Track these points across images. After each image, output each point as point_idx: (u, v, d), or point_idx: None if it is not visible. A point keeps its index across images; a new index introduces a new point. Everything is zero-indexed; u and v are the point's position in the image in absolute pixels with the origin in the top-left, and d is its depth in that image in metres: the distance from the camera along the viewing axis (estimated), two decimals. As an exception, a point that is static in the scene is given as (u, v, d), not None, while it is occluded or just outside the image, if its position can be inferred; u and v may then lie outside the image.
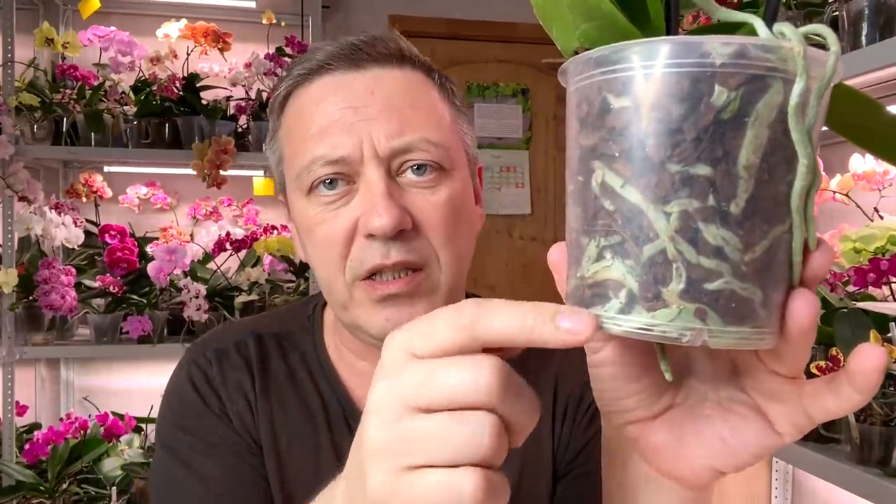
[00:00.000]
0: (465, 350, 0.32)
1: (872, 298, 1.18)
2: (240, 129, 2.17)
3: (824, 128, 0.33)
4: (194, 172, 2.05)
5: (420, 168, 0.61)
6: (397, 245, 0.59)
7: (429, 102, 0.64)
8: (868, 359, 0.31)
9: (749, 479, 1.80)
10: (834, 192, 1.40)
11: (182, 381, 0.71)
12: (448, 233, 0.62)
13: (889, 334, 1.06)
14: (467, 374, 0.31)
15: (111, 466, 1.97)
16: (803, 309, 0.30)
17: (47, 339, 2.05)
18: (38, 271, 1.94)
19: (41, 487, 1.89)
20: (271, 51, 2.17)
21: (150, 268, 1.98)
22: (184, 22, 2.22)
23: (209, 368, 0.70)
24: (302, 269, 2.22)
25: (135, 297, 2.08)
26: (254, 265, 2.13)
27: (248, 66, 2.16)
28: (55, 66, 2.14)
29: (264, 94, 2.18)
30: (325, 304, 0.75)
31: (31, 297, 1.96)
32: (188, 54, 2.20)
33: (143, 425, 2.10)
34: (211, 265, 2.22)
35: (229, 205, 2.44)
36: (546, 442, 0.70)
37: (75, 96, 2.05)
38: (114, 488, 1.90)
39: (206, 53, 2.22)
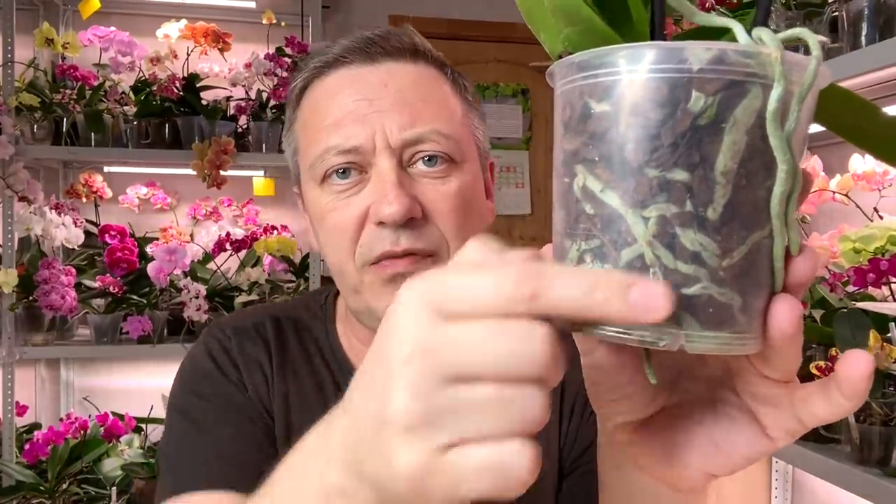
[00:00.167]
0: (512, 316, 0.28)
1: (872, 298, 1.18)
2: (240, 130, 2.17)
3: (823, 128, 0.33)
4: (194, 172, 2.05)
5: (431, 159, 0.63)
6: (407, 233, 0.61)
7: (441, 96, 0.66)
8: (855, 366, 0.31)
9: (749, 479, 1.80)
10: (834, 193, 1.40)
11: (199, 353, 0.71)
12: (458, 223, 0.63)
13: (889, 334, 1.06)
14: (522, 346, 0.27)
15: (111, 467, 1.97)
16: (784, 314, 0.30)
17: (47, 340, 2.05)
18: (38, 271, 1.94)
19: (41, 487, 1.89)
20: (271, 51, 2.17)
21: (150, 268, 1.98)
22: (184, 22, 2.22)
23: (227, 342, 0.71)
24: (302, 270, 2.22)
25: (135, 297, 2.08)
26: (254, 265, 2.13)
27: (248, 66, 2.16)
28: (55, 66, 2.14)
29: (264, 95, 2.18)
30: (336, 293, 0.76)
31: (31, 298, 1.96)
32: (188, 54, 2.20)
33: (143, 425, 2.10)
34: (211, 265, 2.22)
35: (229, 205, 2.44)
36: (553, 439, 0.71)
37: (75, 96, 2.05)
38: (114, 488, 1.90)
39: (206, 53, 2.22)
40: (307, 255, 2.19)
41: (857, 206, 1.34)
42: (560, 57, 0.33)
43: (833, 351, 1.09)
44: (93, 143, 2.06)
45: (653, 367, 0.36)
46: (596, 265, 0.30)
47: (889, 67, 1.07)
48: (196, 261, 2.17)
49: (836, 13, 1.17)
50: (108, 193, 2.38)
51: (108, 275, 2.03)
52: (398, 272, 0.61)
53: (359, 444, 0.31)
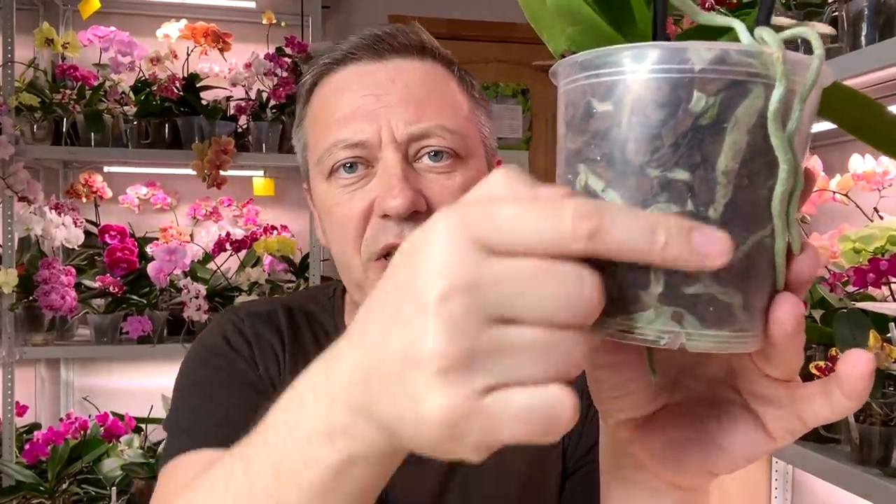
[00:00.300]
0: (564, 256, 0.26)
1: (872, 298, 1.18)
2: (240, 130, 2.17)
3: (824, 128, 0.33)
4: (194, 172, 2.05)
5: (436, 154, 0.64)
6: (411, 226, 0.61)
7: (447, 92, 0.67)
8: (855, 365, 0.31)
9: (749, 479, 1.80)
10: (834, 193, 1.40)
11: (212, 333, 0.72)
12: None
13: (889, 334, 1.06)
14: (573, 290, 0.26)
15: (111, 467, 1.97)
16: (786, 312, 0.30)
17: (47, 340, 2.05)
18: (38, 271, 1.94)
19: (41, 488, 1.89)
20: (271, 51, 2.17)
21: (150, 268, 1.98)
22: (184, 22, 2.22)
23: (241, 324, 0.72)
24: (302, 270, 2.22)
25: (135, 297, 2.08)
26: (254, 265, 2.13)
27: (248, 66, 2.16)
28: (55, 66, 2.14)
29: (264, 95, 2.18)
30: (344, 288, 0.77)
31: (31, 298, 1.96)
32: (188, 54, 2.20)
33: (143, 425, 2.10)
34: (211, 265, 2.22)
35: (229, 205, 2.44)
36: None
37: (75, 96, 2.05)
38: (114, 488, 1.90)
39: (205, 54, 2.22)
40: (307, 255, 2.19)
41: (857, 206, 1.34)
42: (563, 56, 0.33)
43: (833, 351, 1.09)
44: (93, 143, 2.06)
45: (654, 365, 0.36)
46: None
47: (889, 67, 1.07)
48: (196, 261, 2.17)
49: (836, 13, 1.17)
50: (108, 193, 2.38)
51: (108, 275, 2.03)
52: None
53: (373, 383, 0.29)
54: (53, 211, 2.10)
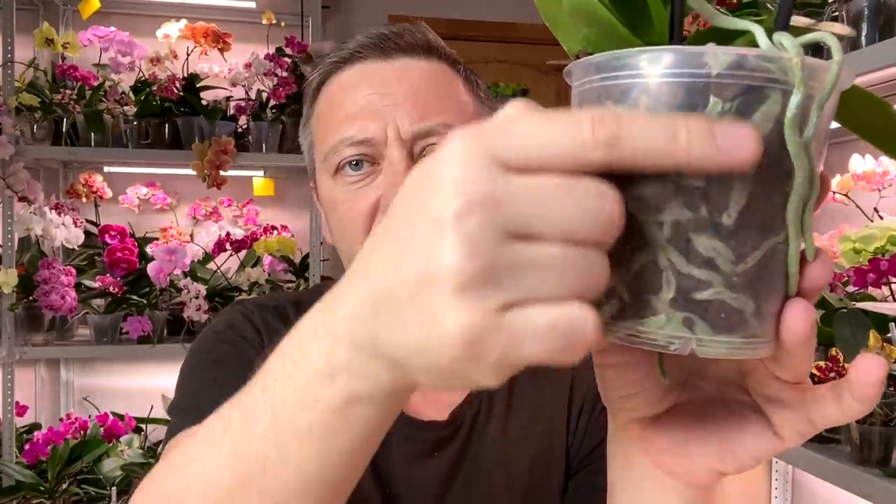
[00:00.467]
0: (588, 169, 0.26)
1: (872, 299, 1.18)
2: (240, 130, 2.17)
3: (834, 124, 0.33)
4: (194, 173, 2.05)
5: None
6: None
7: (452, 91, 0.68)
8: (868, 371, 0.31)
9: (749, 479, 1.80)
10: (834, 193, 1.40)
11: (220, 322, 0.73)
12: None
13: (889, 335, 1.06)
14: (594, 205, 0.25)
15: (111, 467, 1.97)
16: (798, 319, 0.30)
17: (47, 340, 2.05)
18: (38, 271, 1.94)
19: (41, 488, 1.89)
20: (271, 51, 2.17)
21: (150, 268, 1.99)
22: (184, 22, 2.22)
23: (251, 314, 0.72)
24: (302, 270, 2.22)
25: (135, 297, 2.08)
26: (254, 265, 2.13)
27: (248, 66, 2.16)
28: (55, 66, 2.14)
29: (264, 95, 2.18)
30: None
31: (31, 298, 1.96)
32: (188, 55, 2.20)
33: (143, 425, 2.10)
34: (211, 265, 2.23)
35: (229, 205, 2.44)
36: (560, 436, 0.71)
37: (75, 96, 2.05)
38: (114, 489, 1.90)
39: (205, 54, 2.22)
40: (307, 255, 2.19)
41: (857, 207, 1.34)
42: (577, 57, 0.33)
43: (833, 351, 1.09)
44: (93, 143, 2.06)
45: (664, 368, 0.36)
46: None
47: (889, 67, 1.07)
48: (196, 261, 2.17)
49: (836, 13, 1.17)
50: (108, 193, 2.38)
51: (108, 275, 2.03)
52: None
53: (381, 310, 0.28)
54: (53, 211, 2.10)
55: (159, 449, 1.99)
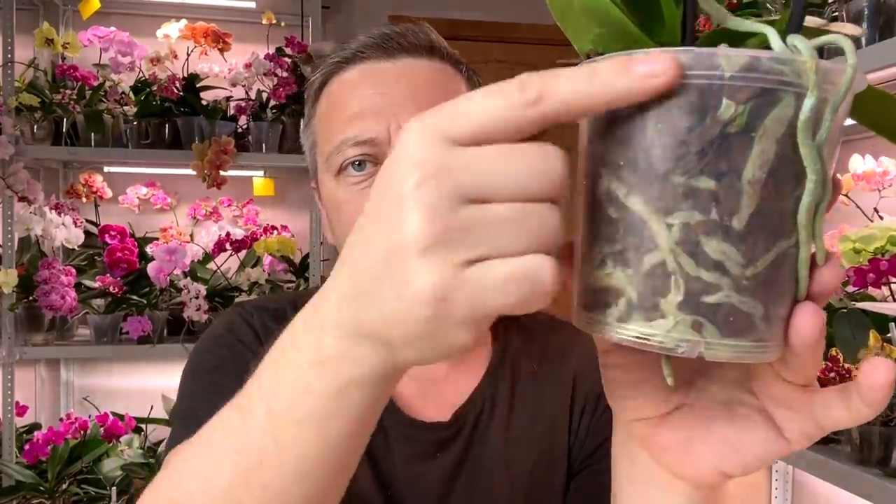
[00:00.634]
0: (526, 130, 0.28)
1: (872, 299, 1.18)
2: (240, 130, 2.17)
3: (849, 122, 0.33)
4: (194, 173, 2.05)
5: None
6: None
7: (455, 92, 0.67)
8: (877, 374, 0.31)
9: (749, 479, 1.80)
10: (834, 193, 1.40)
11: (220, 325, 0.73)
12: None
13: (889, 335, 1.06)
14: (538, 164, 0.27)
15: (111, 467, 1.97)
16: (807, 323, 0.30)
17: (47, 340, 2.05)
18: (38, 271, 1.94)
19: (41, 488, 1.89)
20: (271, 51, 2.17)
21: (150, 268, 1.99)
22: (184, 22, 2.22)
23: (250, 317, 0.72)
24: (302, 270, 2.22)
25: (135, 297, 2.08)
26: (254, 265, 2.13)
27: (247, 66, 2.16)
28: (55, 66, 2.14)
29: (264, 95, 2.18)
30: None
31: (31, 298, 1.96)
32: (188, 55, 2.20)
33: (143, 425, 2.10)
34: (211, 265, 2.22)
35: (229, 205, 2.44)
36: (562, 436, 0.71)
37: (75, 96, 2.05)
38: (114, 489, 1.90)
39: (205, 54, 2.22)
40: (307, 255, 2.19)
41: (857, 207, 1.34)
42: (588, 56, 0.32)
43: (833, 351, 1.09)
44: (93, 144, 2.06)
45: (672, 369, 0.36)
46: (617, 269, 0.30)
47: (889, 67, 1.07)
48: (196, 261, 2.17)
49: (837, 13, 1.17)
50: (108, 193, 2.38)
51: (108, 275, 2.03)
52: None
53: (361, 293, 0.30)
54: (53, 211, 2.10)
55: (160, 449, 1.99)
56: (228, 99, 2.18)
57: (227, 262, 2.20)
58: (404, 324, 0.29)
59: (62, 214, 2.11)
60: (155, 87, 2.09)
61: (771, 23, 0.31)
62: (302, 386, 0.33)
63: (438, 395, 0.69)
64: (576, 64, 0.33)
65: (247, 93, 2.19)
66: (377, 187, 0.30)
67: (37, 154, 2.06)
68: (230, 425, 0.36)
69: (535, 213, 0.28)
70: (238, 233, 2.22)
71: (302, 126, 0.74)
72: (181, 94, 2.09)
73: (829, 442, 1.20)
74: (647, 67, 0.27)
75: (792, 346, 0.31)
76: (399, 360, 0.31)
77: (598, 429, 0.71)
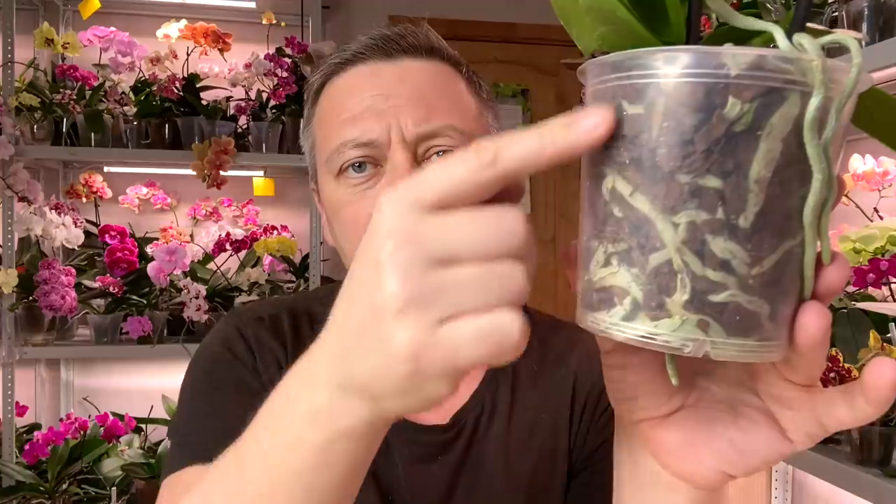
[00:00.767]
0: (487, 190, 0.30)
1: (872, 299, 1.18)
2: (240, 130, 2.17)
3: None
4: (194, 173, 2.05)
5: (445, 154, 0.64)
6: None
7: (456, 93, 0.67)
8: (882, 374, 0.31)
9: (748, 479, 1.80)
10: (834, 193, 1.40)
11: (215, 339, 0.72)
12: None
13: (889, 335, 1.06)
14: (498, 226, 0.30)
15: (111, 467, 1.97)
16: (813, 322, 0.30)
17: (47, 340, 2.05)
18: (38, 272, 1.94)
19: (41, 488, 1.89)
20: (271, 51, 2.17)
21: (150, 268, 1.99)
22: (184, 22, 2.22)
23: (245, 330, 0.71)
24: (302, 270, 2.22)
25: (135, 297, 2.08)
26: (254, 265, 2.14)
27: (248, 66, 2.16)
28: (55, 66, 2.14)
29: (264, 95, 2.18)
30: None
31: (31, 298, 1.96)
32: (188, 55, 2.20)
33: (143, 425, 2.10)
34: (211, 265, 2.23)
35: (229, 205, 2.44)
36: (562, 438, 0.71)
37: (75, 97, 2.05)
38: (114, 489, 1.90)
39: (206, 54, 2.22)
40: (307, 256, 2.19)
41: (857, 207, 1.34)
42: (593, 56, 0.32)
43: (833, 351, 1.09)
44: (93, 144, 2.06)
45: (675, 369, 0.35)
46: (622, 268, 0.30)
47: (889, 68, 1.07)
48: (196, 261, 2.17)
49: (836, 13, 1.17)
50: (108, 193, 2.38)
51: (108, 275, 2.03)
52: None
53: (347, 351, 0.32)
54: (53, 211, 2.10)
55: (160, 449, 1.99)
56: (228, 99, 2.18)
57: (227, 263, 2.20)
58: (387, 379, 0.31)
59: (62, 214, 2.11)
60: (155, 87, 2.09)
61: (775, 22, 0.31)
62: (294, 438, 0.35)
63: None
64: (580, 63, 0.33)
65: (247, 93, 2.19)
66: (359, 253, 0.33)
67: (37, 154, 2.06)
68: (228, 475, 0.38)
69: (500, 271, 0.30)
70: (238, 233, 2.22)
71: (301, 127, 0.74)
72: (181, 94, 2.09)
73: (829, 442, 1.20)
74: (588, 122, 0.30)
75: (797, 346, 0.31)
76: (385, 411, 0.33)
77: (598, 429, 0.71)
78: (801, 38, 0.29)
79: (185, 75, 2.14)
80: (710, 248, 0.28)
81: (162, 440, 2.02)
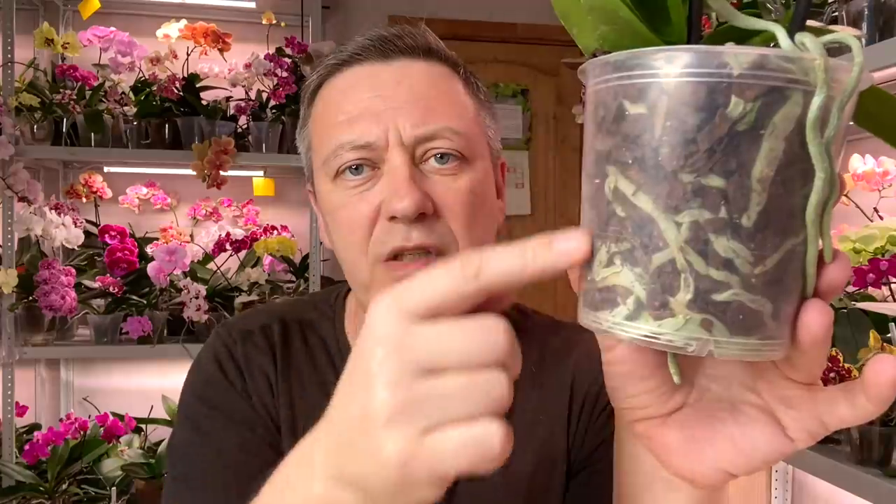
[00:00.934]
0: (471, 301, 0.32)
1: (872, 298, 1.18)
2: (240, 130, 2.17)
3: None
4: (194, 173, 2.05)
5: (443, 157, 0.63)
6: (418, 228, 0.61)
7: (453, 94, 0.67)
8: (883, 371, 0.31)
9: (748, 479, 1.80)
10: (834, 193, 1.40)
11: (208, 358, 0.72)
12: (467, 220, 0.63)
13: (889, 335, 1.06)
14: (481, 337, 0.31)
15: (111, 467, 1.97)
16: (815, 320, 0.30)
17: (47, 340, 2.05)
18: (38, 272, 1.94)
19: (41, 488, 1.89)
20: (271, 51, 2.17)
21: (150, 268, 1.98)
22: (184, 22, 2.22)
23: (234, 348, 0.72)
24: (302, 270, 2.22)
25: (135, 297, 2.08)
26: (254, 265, 2.13)
27: (247, 66, 2.16)
28: (55, 66, 2.14)
29: (264, 95, 2.18)
30: (347, 292, 0.77)
31: (31, 298, 1.96)
32: (188, 55, 2.20)
33: (143, 425, 2.10)
34: (211, 265, 2.22)
35: (229, 205, 2.44)
36: (560, 439, 0.71)
37: (75, 97, 2.05)
38: (114, 489, 1.90)
39: (205, 54, 2.22)
40: (307, 256, 2.19)
41: (857, 207, 1.34)
42: (594, 55, 0.32)
43: (833, 351, 1.09)
44: (93, 144, 2.06)
45: (678, 367, 0.35)
46: (626, 268, 0.30)
47: (889, 68, 1.07)
48: (196, 261, 2.17)
49: (836, 13, 1.17)
50: (108, 193, 2.38)
51: (108, 275, 2.03)
52: (409, 275, 0.61)
53: (342, 448, 0.34)
54: (53, 211, 2.10)
55: (160, 449, 1.99)
56: (228, 99, 2.18)
57: (227, 263, 2.20)
58: (378, 481, 0.32)
59: (62, 214, 2.11)
60: (155, 87, 2.09)
61: (775, 22, 0.31)
62: None
63: None
64: (581, 63, 0.33)
65: (247, 93, 2.19)
66: (355, 354, 0.34)
67: (37, 154, 2.06)
68: None
69: (483, 380, 0.31)
70: (238, 233, 2.22)
71: (297, 128, 0.73)
72: (181, 94, 2.09)
73: (829, 442, 1.20)
74: (566, 245, 0.32)
75: (800, 344, 0.31)
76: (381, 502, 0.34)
77: (596, 429, 0.71)
78: (804, 38, 0.29)
79: (185, 75, 2.14)
80: (713, 247, 0.28)
81: (162, 440, 2.02)
